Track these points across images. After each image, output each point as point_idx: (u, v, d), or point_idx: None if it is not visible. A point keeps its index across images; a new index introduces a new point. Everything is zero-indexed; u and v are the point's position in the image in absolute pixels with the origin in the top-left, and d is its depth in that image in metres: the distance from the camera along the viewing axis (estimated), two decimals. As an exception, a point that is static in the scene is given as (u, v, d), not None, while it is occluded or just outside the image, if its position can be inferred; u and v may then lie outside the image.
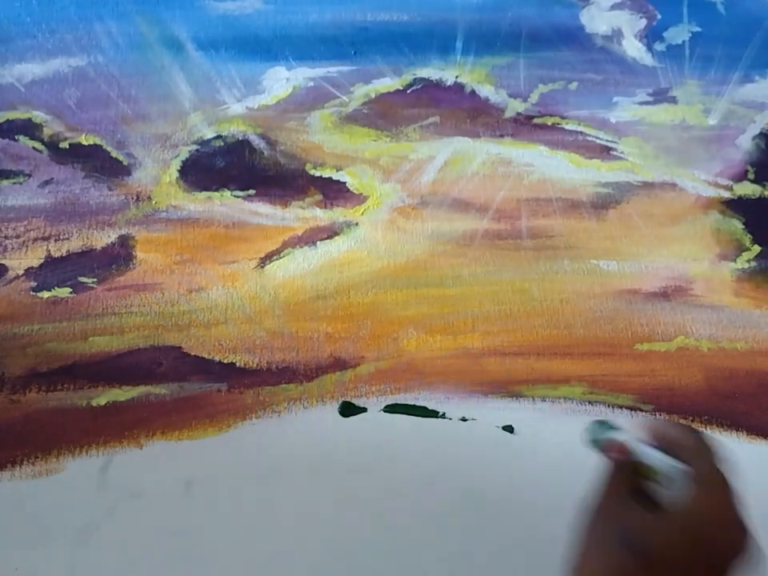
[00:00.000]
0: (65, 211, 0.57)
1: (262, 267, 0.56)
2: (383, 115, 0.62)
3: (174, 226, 0.57)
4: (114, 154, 0.59)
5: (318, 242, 0.58)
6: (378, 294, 0.56)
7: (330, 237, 0.58)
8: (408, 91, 0.63)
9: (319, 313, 0.55)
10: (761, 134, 0.63)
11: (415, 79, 0.63)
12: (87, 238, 0.56)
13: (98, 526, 0.48)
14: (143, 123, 0.60)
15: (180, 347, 0.53)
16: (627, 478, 0.35)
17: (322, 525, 0.49)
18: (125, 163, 0.59)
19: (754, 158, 0.63)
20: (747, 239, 0.60)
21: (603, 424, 0.39)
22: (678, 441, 0.35)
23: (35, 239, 0.56)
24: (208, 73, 0.62)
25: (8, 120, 0.59)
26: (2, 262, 0.55)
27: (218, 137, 0.60)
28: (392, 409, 0.53)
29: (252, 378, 0.53)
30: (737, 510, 0.34)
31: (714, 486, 0.34)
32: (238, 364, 0.53)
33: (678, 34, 0.67)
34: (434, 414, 0.53)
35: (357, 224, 0.58)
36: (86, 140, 0.59)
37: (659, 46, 0.66)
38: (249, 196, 0.59)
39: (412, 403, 0.53)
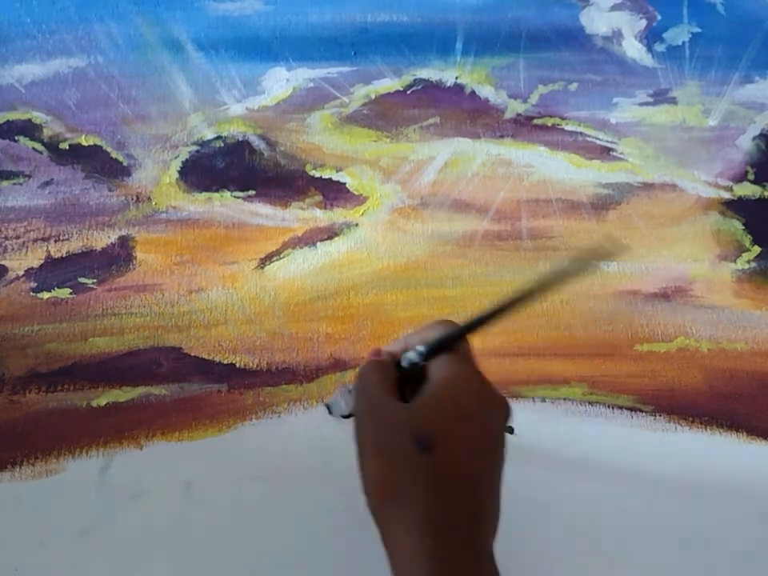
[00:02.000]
0: (65, 212, 0.57)
1: (262, 268, 0.56)
2: (383, 116, 0.62)
3: (174, 227, 0.57)
4: (113, 154, 0.59)
5: (318, 243, 0.58)
6: (378, 295, 0.56)
7: (330, 238, 0.58)
8: (408, 92, 0.63)
9: (319, 314, 0.55)
10: (761, 134, 0.63)
11: (415, 80, 0.64)
12: (87, 239, 0.56)
13: (98, 526, 0.48)
14: (143, 124, 0.60)
15: (180, 348, 0.53)
16: (386, 378, 0.36)
17: (321, 525, 0.49)
18: (125, 164, 0.59)
19: (754, 158, 0.63)
20: (747, 240, 0.60)
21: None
22: (430, 335, 0.37)
23: (35, 240, 0.56)
24: (208, 73, 0.62)
25: (8, 121, 0.59)
26: (2, 262, 0.55)
27: (218, 137, 0.60)
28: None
29: (252, 378, 0.53)
30: (482, 380, 0.35)
31: (465, 363, 0.36)
32: (238, 365, 0.53)
33: (678, 35, 0.67)
34: None
35: (357, 225, 0.58)
36: (85, 141, 0.59)
37: (659, 47, 0.66)
38: (249, 197, 0.59)
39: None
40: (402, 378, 0.37)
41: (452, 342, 0.37)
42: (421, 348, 0.37)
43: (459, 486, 0.31)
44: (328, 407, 0.47)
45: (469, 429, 0.33)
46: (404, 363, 0.37)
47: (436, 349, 0.36)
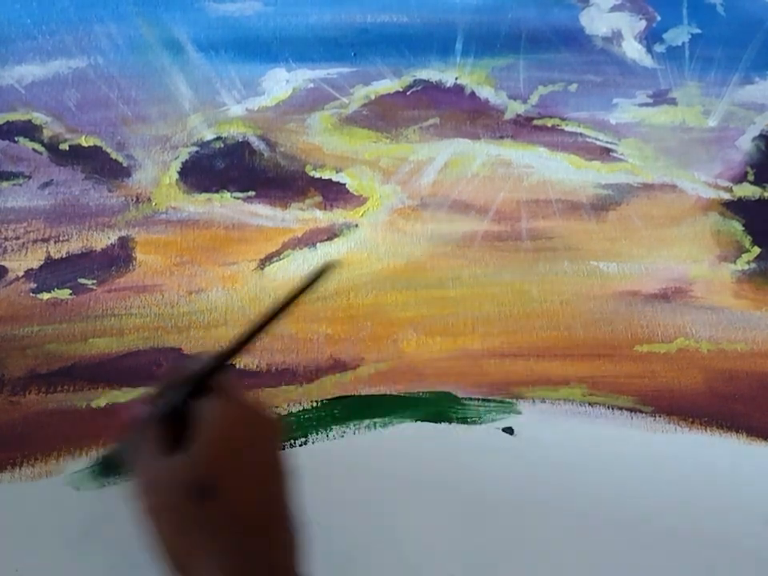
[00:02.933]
0: (65, 213, 0.57)
1: (262, 269, 0.56)
2: (383, 117, 0.62)
3: (174, 228, 0.57)
4: (113, 155, 0.59)
5: (318, 244, 0.58)
6: (378, 296, 0.56)
7: (329, 238, 0.58)
8: (408, 93, 0.63)
9: (319, 314, 0.55)
10: (760, 135, 0.64)
11: (415, 81, 0.64)
12: (87, 240, 0.56)
13: (98, 527, 0.48)
14: (143, 125, 0.60)
15: (180, 349, 0.53)
16: (152, 435, 0.33)
17: (321, 525, 0.49)
18: (125, 165, 0.59)
19: (753, 159, 0.63)
20: (747, 241, 0.60)
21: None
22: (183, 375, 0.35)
23: (35, 241, 0.56)
24: (208, 74, 0.62)
25: (8, 122, 0.59)
26: (2, 263, 0.55)
27: (218, 138, 0.60)
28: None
29: (252, 379, 0.53)
30: (250, 407, 0.34)
31: (226, 397, 0.34)
32: (237, 365, 0.53)
33: (678, 36, 0.67)
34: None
35: (357, 225, 0.58)
36: (85, 141, 0.59)
37: (659, 48, 0.66)
38: (248, 197, 0.59)
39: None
40: (171, 424, 0.34)
41: (208, 376, 0.35)
42: (176, 391, 0.34)
43: (252, 524, 0.31)
44: (104, 466, 0.46)
45: (246, 464, 0.32)
46: (162, 411, 0.34)
47: (194, 388, 0.34)
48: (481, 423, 0.52)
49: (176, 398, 0.34)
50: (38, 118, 0.59)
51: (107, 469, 0.46)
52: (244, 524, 0.31)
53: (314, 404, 0.52)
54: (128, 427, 0.35)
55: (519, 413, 0.53)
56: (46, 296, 0.54)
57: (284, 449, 0.34)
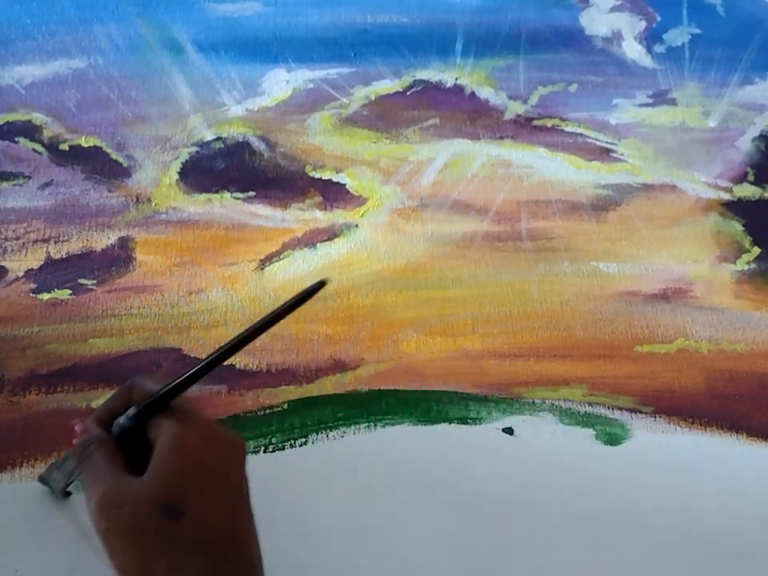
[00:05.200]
0: (65, 213, 0.57)
1: (262, 269, 0.56)
2: (383, 117, 0.62)
3: (174, 228, 0.57)
4: (113, 155, 0.59)
5: (318, 244, 0.58)
6: (378, 296, 0.56)
7: (329, 239, 0.58)
8: (408, 93, 0.63)
9: (319, 315, 0.55)
10: (760, 135, 0.64)
11: (415, 81, 0.64)
12: (87, 240, 0.56)
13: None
14: (143, 125, 0.60)
15: (180, 349, 0.53)
16: (110, 454, 0.33)
17: (321, 526, 0.49)
18: (125, 165, 0.59)
19: (753, 159, 0.63)
20: (747, 241, 0.60)
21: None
22: (136, 395, 0.34)
23: (35, 241, 0.56)
24: (208, 75, 0.62)
25: (8, 122, 0.59)
26: (2, 263, 0.55)
27: (218, 139, 0.60)
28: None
29: (252, 379, 0.53)
30: (210, 427, 0.33)
31: (188, 416, 0.33)
32: (237, 366, 0.53)
33: (678, 36, 0.67)
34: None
35: (357, 226, 0.58)
36: (85, 142, 0.59)
37: (659, 48, 0.66)
38: (248, 198, 0.59)
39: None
40: (124, 443, 0.33)
41: (170, 396, 0.34)
42: (132, 411, 0.33)
43: (223, 540, 0.31)
44: (45, 482, 0.46)
45: (213, 481, 0.32)
46: (115, 431, 0.33)
47: (150, 408, 0.33)
48: (480, 423, 0.52)
49: (134, 418, 0.33)
50: (38, 118, 0.59)
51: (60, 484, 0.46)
52: (216, 541, 0.30)
53: (314, 404, 0.52)
54: (76, 443, 0.34)
55: (519, 413, 0.53)
56: (45, 296, 0.54)
57: (244, 469, 0.33)
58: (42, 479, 0.46)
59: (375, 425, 0.52)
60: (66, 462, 0.45)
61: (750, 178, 0.62)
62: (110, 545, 0.30)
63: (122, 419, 0.33)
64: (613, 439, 0.52)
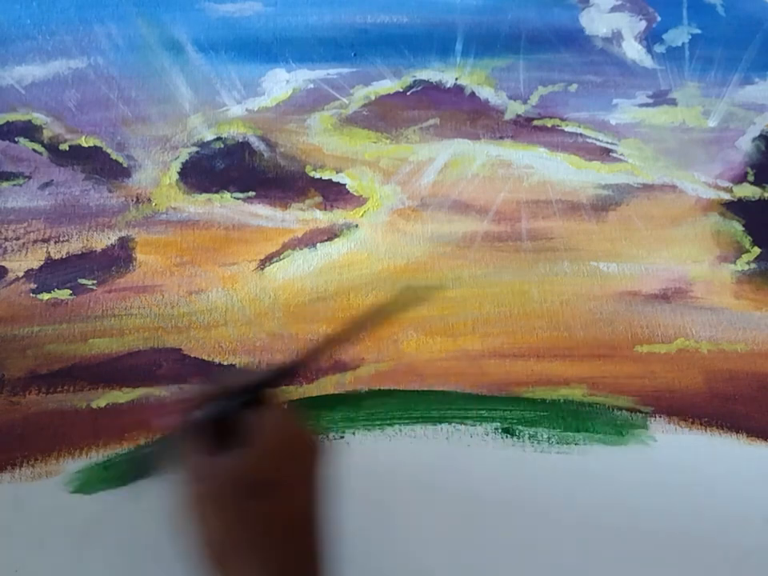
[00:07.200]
0: (65, 213, 0.57)
1: (262, 269, 0.56)
2: (383, 117, 0.62)
3: (174, 228, 0.57)
4: (113, 155, 0.59)
5: (318, 244, 0.58)
6: (378, 296, 0.56)
7: (329, 239, 0.58)
8: (408, 93, 0.63)
9: (319, 315, 0.55)
10: (761, 135, 0.64)
11: (415, 81, 0.64)
12: (87, 240, 0.56)
13: (98, 527, 0.48)
14: (143, 125, 0.60)
15: (180, 349, 0.53)
16: (204, 434, 0.35)
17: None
18: (125, 165, 0.59)
19: (753, 159, 0.63)
20: (747, 241, 0.60)
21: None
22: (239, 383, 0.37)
23: (35, 241, 0.56)
24: (208, 75, 0.62)
25: (8, 122, 0.59)
26: (2, 264, 0.55)
27: (218, 139, 0.60)
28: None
29: (252, 379, 0.53)
30: (299, 423, 0.37)
31: (281, 410, 0.37)
32: (237, 366, 0.53)
33: (678, 36, 0.67)
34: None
35: (357, 226, 0.58)
36: (85, 142, 0.59)
37: (659, 48, 0.66)
38: (249, 198, 0.59)
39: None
40: (218, 427, 0.36)
41: (264, 387, 0.37)
42: (236, 398, 0.36)
43: (299, 526, 0.34)
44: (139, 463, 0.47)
45: (298, 471, 0.35)
46: (216, 413, 0.36)
47: (249, 397, 0.37)
48: (480, 423, 0.52)
49: (232, 405, 0.36)
50: (38, 118, 0.59)
51: (140, 467, 0.47)
52: (292, 525, 0.33)
53: (314, 404, 0.52)
54: (173, 425, 0.37)
55: (519, 413, 0.53)
56: (45, 296, 0.54)
57: (325, 466, 0.36)
58: (135, 460, 0.48)
59: (375, 425, 0.52)
60: (161, 443, 0.46)
61: (750, 178, 0.62)
62: (201, 508, 0.33)
63: (225, 403, 0.36)
64: (612, 439, 0.52)
